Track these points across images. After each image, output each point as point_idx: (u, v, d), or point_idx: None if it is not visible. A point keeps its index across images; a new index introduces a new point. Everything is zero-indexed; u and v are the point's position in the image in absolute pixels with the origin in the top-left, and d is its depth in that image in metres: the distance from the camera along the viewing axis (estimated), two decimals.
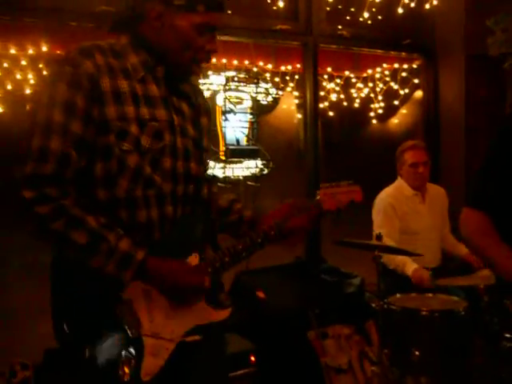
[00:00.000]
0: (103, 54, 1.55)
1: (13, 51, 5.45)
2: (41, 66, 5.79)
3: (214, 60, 6.11)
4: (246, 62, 5.64)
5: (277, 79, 6.47)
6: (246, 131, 4.46)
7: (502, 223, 1.95)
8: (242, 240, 1.70)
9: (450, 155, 4.76)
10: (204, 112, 1.82)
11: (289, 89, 6.79)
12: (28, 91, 6.16)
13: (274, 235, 1.73)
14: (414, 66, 5.70)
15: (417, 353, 2.59)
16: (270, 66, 6.25)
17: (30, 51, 5.39)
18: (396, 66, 6.37)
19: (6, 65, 5.83)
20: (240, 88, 4.39)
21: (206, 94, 4.16)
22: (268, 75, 6.29)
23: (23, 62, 5.76)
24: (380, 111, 7.00)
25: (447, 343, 2.62)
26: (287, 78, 6.69)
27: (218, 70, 4.45)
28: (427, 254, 3.34)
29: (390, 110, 6.95)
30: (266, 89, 4.61)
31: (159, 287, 1.53)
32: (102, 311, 1.48)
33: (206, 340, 1.61)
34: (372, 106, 7.03)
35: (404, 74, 6.21)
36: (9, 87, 6.13)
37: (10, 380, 2.84)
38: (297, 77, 6.56)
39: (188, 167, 1.68)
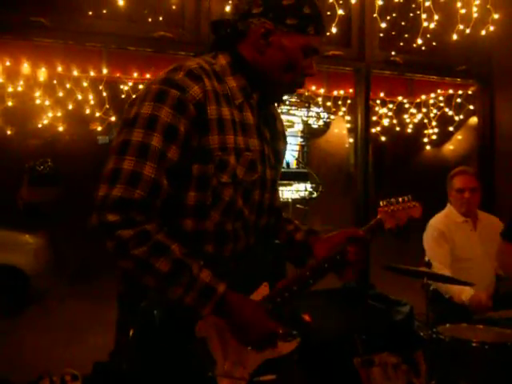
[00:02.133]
0: (209, 78, 1.47)
1: (75, 73, 5.70)
2: (101, 87, 6.04)
3: None
4: None
5: (329, 103, 6.50)
6: (296, 154, 4.49)
7: None
8: (306, 267, 1.62)
9: (505, 183, 4.64)
10: (282, 138, 1.76)
11: (341, 113, 6.81)
12: (88, 111, 6.44)
13: (337, 260, 1.64)
14: (469, 92, 5.61)
15: None
16: (322, 91, 6.29)
17: (91, 73, 5.64)
18: (451, 91, 6.29)
19: (68, 86, 6.10)
20: (291, 111, 4.42)
21: None
22: (320, 99, 6.33)
23: (84, 84, 6.03)
24: (434, 137, 6.91)
25: (497, 377, 2.52)
26: (339, 102, 6.71)
27: None
28: (480, 283, 3.25)
29: (444, 136, 6.86)
30: (318, 113, 4.63)
31: (232, 324, 1.45)
32: (176, 349, 1.40)
33: (279, 377, 1.55)
34: (425, 131, 6.95)
35: (459, 100, 6.13)
36: (70, 107, 6.41)
37: None
38: (349, 101, 6.58)
39: (272, 199, 1.64)
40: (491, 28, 4.38)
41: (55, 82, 6.07)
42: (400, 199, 1.84)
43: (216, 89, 1.47)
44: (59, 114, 6.58)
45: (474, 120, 5.37)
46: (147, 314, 1.40)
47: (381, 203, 1.82)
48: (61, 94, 6.21)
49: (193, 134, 1.42)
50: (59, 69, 5.50)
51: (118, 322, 1.54)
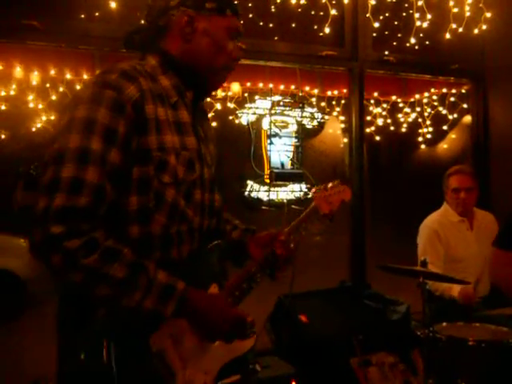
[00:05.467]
0: (144, 77, 1.43)
1: (68, 76, 5.69)
2: None
3: (260, 85, 6.20)
4: (293, 87, 5.71)
5: (323, 104, 6.50)
6: (291, 155, 4.49)
7: None
8: (250, 263, 1.63)
9: (500, 181, 4.64)
10: (211, 139, 1.71)
11: (335, 113, 6.81)
12: None
13: (270, 260, 1.65)
14: (463, 90, 5.63)
15: None
16: (316, 91, 6.29)
17: (85, 76, 5.62)
18: (444, 90, 6.31)
19: (61, 89, 6.09)
20: (286, 112, 4.42)
21: (252, 117, 4.22)
22: (314, 100, 6.34)
23: (77, 87, 6.01)
24: (428, 136, 6.93)
25: (495, 375, 2.53)
26: (333, 102, 6.72)
27: (265, 94, 4.51)
28: (476, 282, 3.26)
29: (439, 135, 6.87)
30: (312, 113, 4.64)
31: (198, 322, 1.41)
32: (133, 368, 1.33)
33: (242, 376, 1.54)
34: (420, 130, 6.96)
35: (452, 99, 6.14)
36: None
37: None
38: (343, 101, 6.58)
39: (213, 199, 1.61)
40: (484, 27, 4.39)
41: (48, 85, 6.05)
42: (330, 185, 1.88)
43: (151, 88, 1.44)
44: (53, 118, 6.55)
45: (468, 118, 5.38)
46: (95, 338, 1.32)
47: (313, 189, 1.84)
48: (54, 98, 6.19)
49: (132, 135, 1.37)
50: (52, 72, 5.49)
51: (59, 350, 1.42)
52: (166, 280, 1.35)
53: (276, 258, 1.66)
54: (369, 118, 6.79)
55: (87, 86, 1.42)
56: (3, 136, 7.23)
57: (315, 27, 4.25)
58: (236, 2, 1.60)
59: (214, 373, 1.46)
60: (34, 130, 6.93)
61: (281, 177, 4.33)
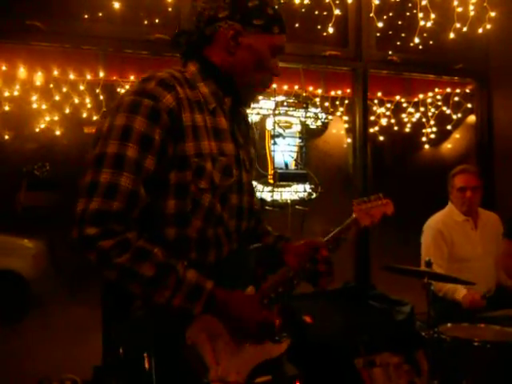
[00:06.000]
0: (181, 86, 1.49)
1: (71, 76, 5.69)
2: (98, 91, 6.02)
3: None
4: (296, 87, 5.70)
5: (326, 104, 6.49)
6: (295, 155, 4.47)
7: None
8: (287, 268, 1.64)
9: (504, 181, 4.62)
10: (252, 142, 1.78)
11: (338, 113, 6.79)
12: (85, 115, 6.42)
13: (309, 270, 1.67)
14: (467, 90, 5.60)
15: None
16: (319, 91, 6.28)
17: (88, 77, 5.62)
18: (448, 90, 6.28)
19: (64, 89, 6.09)
20: (289, 112, 4.41)
21: (256, 118, 4.21)
22: (318, 100, 6.32)
23: (81, 87, 6.01)
24: (432, 136, 6.90)
25: (499, 376, 2.52)
26: (337, 102, 6.71)
27: (268, 94, 4.51)
28: (480, 282, 3.23)
29: (443, 135, 6.84)
30: (316, 113, 4.63)
31: (226, 320, 1.46)
32: (169, 359, 1.40)
33: (274, 377, 1.56)
34: (424, 130, 6.94)
35: (456, 99, 6.11)
36: (67, 111, 6.39)
37: None
38: (346, 101, 6.57)
39: (251, 202, 1.66)
40: (488, 26, 4.37)
41: (52, 85, 6.05)
42: (372, 197, 1.88)
43: (188, 96, 1.49)
44: (56, 118, 6.55)
45: (472, 118, 5.36)
46: (136, 328, 1.41)
47: (354, 202, 1.84)
48: (57, 98, 6.19)
49: (168, 142, 1.43)
50: (55, 73, 5.49)
51: (104, 337, 1.53)
52: (195, 279, 1.40)
53: (316, 271, 1.67)
54: (372, 117, 6.77)
55: (128, 93, 1.48)
56: (7, 136, 7.25)
57: (319, 27, 4.24)
58: (284, 23, 1.62)
59: (245, 372, 1.50)
60: (37, 130, 6.94)
61: (285, 177, 4.31)
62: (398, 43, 4.53)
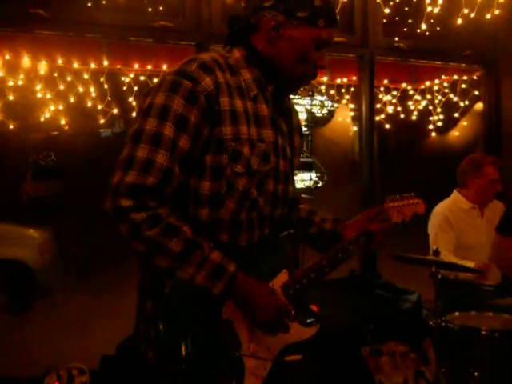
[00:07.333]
0: (222, 70, 1.51)
1: (76, 65, 5.66)
2: (102, 79, 5.99)
3: None
4: None
5: (332, 91, 6.44)
6: None
7: None
8: (325, 255, 1.65)
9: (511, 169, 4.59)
10: (297, 131, 1.78)
11: (344, 101, 6.75)
12: (89, 104, 6.40)
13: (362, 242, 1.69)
14: (475, 77, 5.55)
15: (476, 374, 2.50)
16: (325, 79, 6.23)
17: (92, 65, 5.59)
18: (455, 77, 6.22)
19: (68, 78, 6.06)
20: (295, 100, 4.38)
21: None
22: (323, 88, 6.28)
23: (85, 76, 5.98)
24: (439, 123, 6.84)
25: (507, 365, 2.50)
26: (343, 90, 6.65)
27: None
28: (486, 269, 3.22)
29: (450, 123, 6.79)
30: (321, 101, 4.59)
31: (244, 305, 1.50)
32: (201, 331, 1.45)
33: (303, 358, 1.61)
34: (431, 118, 6.88)
35: (464, 86, 6.06)
36: (71, 100, 6.37)
37: None
38: (352, 89, 6.52)
39: (287, 190, 1.67)
40: (496, 12, 4.32)
41: (56, 74, 6.02)
42: (404, 196, 1.87)
43: (228, 81, 1.52)
44: (61, 108, 6.54)
45: (479, 106, 5.31)
46: (171, 300, 1.45)
47: (387, 199, 1.83)
48: (62, 87, 6.17)
49: (204, 124, 1.46)
50: (60, 61, 5.46)
51: (138, 309, 1.58)
52: (219, 260, 1.44)
53: (370, 233, 1.69)
54: (378, 105, 6.72)
55: (170, 73, 1.52)
56: (12, 126, 7.25)
57: None
58: (334, 15, 1.59)
59: (276, 351, 1.56)
60: (42, 119, 6.93)
61: None
62: (405, 29, 4.49)
